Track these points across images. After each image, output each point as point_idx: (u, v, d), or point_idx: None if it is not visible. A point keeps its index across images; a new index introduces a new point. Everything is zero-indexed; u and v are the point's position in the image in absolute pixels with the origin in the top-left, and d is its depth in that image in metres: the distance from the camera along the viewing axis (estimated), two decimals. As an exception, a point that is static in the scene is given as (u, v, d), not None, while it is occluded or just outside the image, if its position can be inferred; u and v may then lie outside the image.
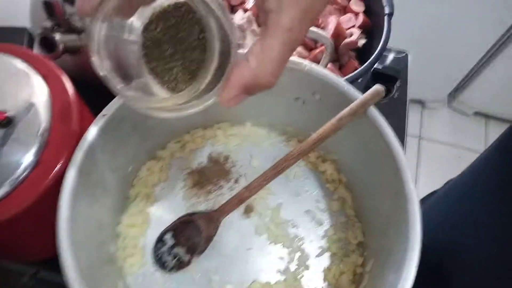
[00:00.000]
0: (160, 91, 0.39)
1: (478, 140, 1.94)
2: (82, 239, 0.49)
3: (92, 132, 0.50)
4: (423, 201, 0.80)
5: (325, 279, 0.60)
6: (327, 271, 0.61)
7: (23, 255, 0.63)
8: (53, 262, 0.45)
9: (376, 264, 0.55)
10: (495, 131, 1.94)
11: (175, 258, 0.59)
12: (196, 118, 0.67)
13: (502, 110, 1.88)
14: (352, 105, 0.51)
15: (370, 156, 0.56)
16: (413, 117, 2.01)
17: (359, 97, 0.51)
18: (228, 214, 0.59)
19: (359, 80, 0.70)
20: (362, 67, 0.62)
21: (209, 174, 0.67)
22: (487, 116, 1.97)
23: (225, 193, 0.65)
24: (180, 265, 0.59)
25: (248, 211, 0.64)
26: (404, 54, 0.84)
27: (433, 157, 1.89)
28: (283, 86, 0.59)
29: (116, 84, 0.35)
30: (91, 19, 0.33)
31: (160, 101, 0.37)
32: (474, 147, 1.92)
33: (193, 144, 0.69)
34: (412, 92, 0.83)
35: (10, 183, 0.46)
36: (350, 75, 0.61)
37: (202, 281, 0.60)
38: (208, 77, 0.35)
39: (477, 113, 1.95)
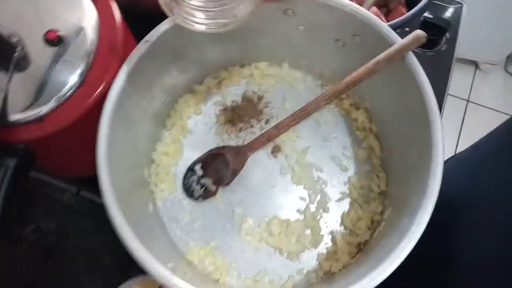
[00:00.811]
0: None
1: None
2: (119, 160, 0.53)
3: (134, 56, 0.52)
4: (446, 162, 0.78)
5: (342, 223, 0.62)
6: (345, 216, 0.63)
7: (66, 171, 0.68)
8: (93, 182, 0.49)
9: (394, 212, 0.56)
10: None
11: (202, 187, 0.63)
12: (234, 55, 0.68)
13: None
14: (390, 49, 0.49)
15: (404, 105, 0.55)
16: (464, 78, 1.90)
17: (398, 42, 0.50)
18: (256, 150, 0.61)
19: (406, 29, 0.68)
20: (409, 13, 0.60)
21: (242, 113, 0.68)
22: (546, 84, 1.83)
23: (255, 132, 0.67)
24: (207, 194, 0.63)
25: (276, 151, 0.66)
26: (458, 5, 0.79)
27: (479, 122, 1.80)
28: (324, 25, 0.58)
29: None
30: None
31: None
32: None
33: (229, 81, 0.70)
34: (465, 51, 0.79)
35: (56, 100, 0.50)
36: (395, 20, 0.59)
37: (226, 212, 0.64)
38: None
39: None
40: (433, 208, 0.43)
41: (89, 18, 0.54)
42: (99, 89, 0.50)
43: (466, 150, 0.63)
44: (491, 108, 1.83)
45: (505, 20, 1.50)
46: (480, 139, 0.60)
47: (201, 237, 0.62)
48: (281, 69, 0.71)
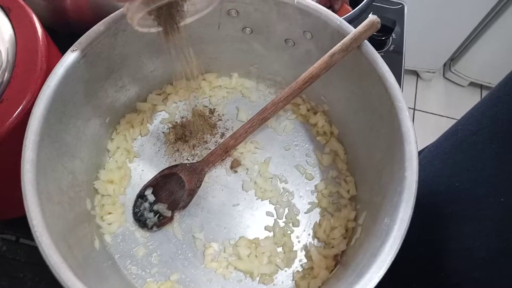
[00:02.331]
0: None
1: (473, 112, 1.91)
2: (53, 193, 0.45)
3: (60, 68, 0.45)
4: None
5: (315, 236, 0.57)
6: (317, 227, 0.58)
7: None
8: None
9: (369, 215, 0.51)
10: (490, 103, 1.91)
11: (156, 215, 0.56)
12: (179, 67, 0.62)
13: (497, 79, 1.85)
14: (345, 39, 0.46)
15: (364, 99, 0.52)
16: (407, 88, 1.97)
17: (353, 31, 0.47)
18: (212, 165, 0.55)
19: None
20: (355, 9, 0.58)
21: (193, 128, 0.62)
22: (482, 87, 1.93)
23: (210, 148, 0.61)
24: (162, 222, 0.56)
25: (235, 165, 0.60)
26: (400, 5, 0.79)
27: (428, 129, 1.86)
28: (271, 24, 0.55)
29: None
30: None
31: None
32: (469, 119, 1.89)
33: (176, 96, 0.64)
34: (407, 62, 0.79)
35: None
36: (343, 17, 0.57)
37: (186, 239, 0.56)
38: None
39: (472, 84, 1.92)
40: (415, 201, 0.39)
41: (3, 35, 0.47)
42: (19, 108, 0.42)
43: (435, 141, 0.61)
44: (436, 114, 1.90)
45: (440, 30, 1.58)
46: (449, 128, 0.58)
47: (160, 271, 0.54)
48: (231, 79, 0.66)
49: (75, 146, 0.51)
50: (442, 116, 1.92)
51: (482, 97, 1.92)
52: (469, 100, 1.94)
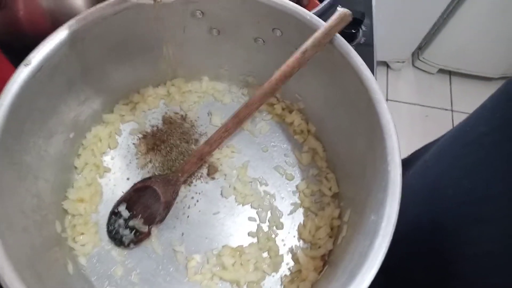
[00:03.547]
0: None
1: (444, 98, 1.94)
2: (15, 218, 0.42)
3: (13, 85, 0.41)
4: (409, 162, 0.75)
5: (300, 237, 0.56)
6: (302, 228, 0.56)
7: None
8: None
9: (354, 212, 0.50)
10: (460, 88, 1.95)
11: (132, 231, 0.53)
12: (145, 74, 0.59)
13: (464, 65, 1.88)
14: (316, 34, 0.45)
15: (340, 94, 0.50)
16: (379, 80, 1.98)
17: (324, 25, 0.45)
18: (188, 174, 0.52)
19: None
20: (323, 3, 0.56)
21: (165, 137, 0.60)
22: (450, 73, 1.97)
23: (184, 156, 0.59)
24: (139, 238, 0.53)
25: (212, 172, 0.58)
26: (367, -3, 0.79)
27: (401, 118, 1.88)
28: (239, 23, 0.53)
29: None
30: None
31: None
32: (440, 105, 1.92)
33: (144, 104, 0.61)
34: (377, 54, 0.78)
35: None
36: (312, 11, 0.55)
37: (166, 254, 0.54)
38: None
39: (441, 71, 1.95)
40: (400, 195, 0.38)
41: None
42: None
43: (440, 144, 0.60)
44: (408, 103, 1.93)
45: (407, 20, 1.60)
46: (455, 130, 0.56)
47: (141, 290, 0.51)
48: (201, 83, 0.64)
49: (38, 167, 0.48)
50: (414, 104, 1.94)
51: (451, 82, 1.95)
52: (439, 87, 1.98)
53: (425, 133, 1.80)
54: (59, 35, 0.44)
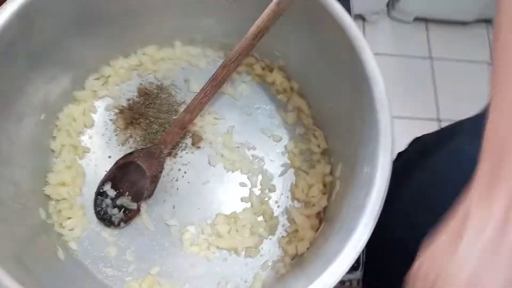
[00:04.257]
0: None
1: (422, 46, 1.93)
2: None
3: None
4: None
5: (293, 197, 0.55)
6: (294, 188, 0.55)
7: None
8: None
9: (345, 166, 0.49)
10: (437, 35, 1.94)
11: (121, 210, 0.51)
12: (112, 44, 0.56)
13: (439, 11, 1.87)
14: (291, -18, 0.42)
15: (320, 46, 0.48)
16: (355, 33, 1.95)
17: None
18: (171, 145, 0.50)
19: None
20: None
21: (143, 110, 0.57)
22: (426, 20, 1.95)
23: (165, 127, 0.56)
24: (129, 216, 0.51)
25: (197, 141, 0.56)
26: None
27: (381, 70, 1.87)
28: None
29: None
30: None
31: None
32: (419, 54, 1.91)
33: (116, 77, 0.58)
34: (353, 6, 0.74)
35: None
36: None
37: (159, 229, 0.52)
38: None
39: (417, 19, 1.93)
40: (392, 142, 0.37)
41: None
42: None
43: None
44: (387, 54, 1.91)
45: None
46: None
47: (138, 268, 0.50)
48: (174, 49, 0.60)
49: (10, 153, 0.45)
50: (393, 55, 1.93)
51: (428, 30, 1.93)
52: (416, 35, 1.96)
53: (406, 83, 1.80)
54: (8, 9, 0.40)
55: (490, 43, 1.77)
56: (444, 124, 1.51)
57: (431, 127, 1.51)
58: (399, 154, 0.62)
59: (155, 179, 0.51)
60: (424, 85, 1.78)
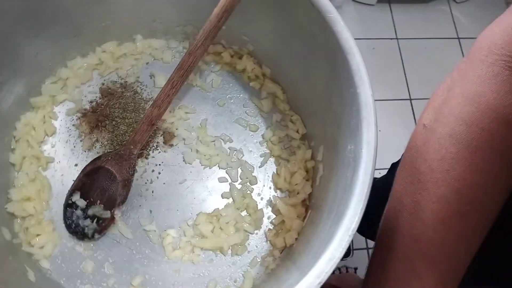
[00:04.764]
0: None
1: (388, 28, 1.95)
2: None
3: None
4: None
5: (276, 187, 0.52)
6: (276, 177, 0.53)
7: None
8: None
9: (327, 149, 0.47)
10: (400, 15, 1.95)
11: (94, 220, 0.48)
12: (67, 43, 0.51)
13: (402, -9, 1.88)
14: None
15: (290, 23, 0.46)
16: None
17: None
18: (141, 144, 0.47)
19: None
20: None
21: (108, 111, 0.53)
22: (389, 1, 1.96)
23: (133, 126, 0.53)
24: (103, 226, 0.48)
25: (169, 139, 0.53)
26: None
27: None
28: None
29: None
30: None
31: None
32: (385, 35, 1.92)
33: (75, 79, 0.54)
34: None
35: None
36: None
37: (137, 236, 0.49)
38: None
39: (380, 1, 1.94)
40: (375, 115, 0.35)
41: None
42: None
43: None
44: (355, 38, 1.92)
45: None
46: None
47: (119, 280, 0.47)
48: (136, 43, 0.57)
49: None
50: (360, 39, 1.93)
51: (392, 11, 1.94)
52: (381, 17, 1.97)
53: (376, 65, 1.80)
54: None
55: (453, 18, 1.80)
56: (415, 104, 1.52)
57: (405, 107, 1.52)
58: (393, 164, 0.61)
59: (127, 183, 0.47)
60: (393, 66, 1.79)
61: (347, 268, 0.91)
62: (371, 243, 0.62)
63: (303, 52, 0.47)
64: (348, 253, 0.50)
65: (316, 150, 0.51)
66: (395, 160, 0.55)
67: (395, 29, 1.95)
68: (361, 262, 0.97)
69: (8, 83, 0.47)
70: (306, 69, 0.49)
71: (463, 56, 1.62)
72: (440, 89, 0.35)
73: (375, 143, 0.34)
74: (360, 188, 0.32)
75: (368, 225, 0.37)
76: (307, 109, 0.53)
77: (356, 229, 0.33)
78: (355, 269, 0.92)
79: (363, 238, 1.05)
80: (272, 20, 0.48)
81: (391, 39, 1.97)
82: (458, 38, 1.74)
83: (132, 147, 0.46)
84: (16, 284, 0.42)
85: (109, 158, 0.47)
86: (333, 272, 0.54)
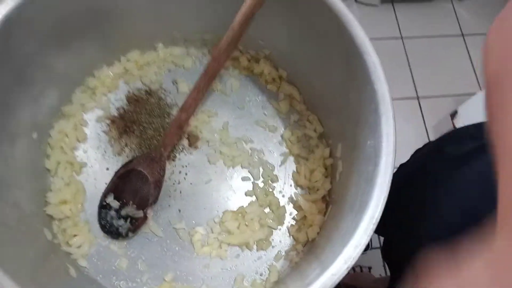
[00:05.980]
0: None
1: (392, 27, 1.97)
2: (0, 232, 0.38)
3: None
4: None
5: (297, 184, 0.55)
6: (296, 175, 0.55)
7: None
8: None
9: (345, 145, 0.49)
10: (404, 14, 1.97)
11: (127, 220, 0.50)
12: (94, 54, 0.54)
13: (405, -9, 1.90)
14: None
15: (305, 27, 0.48)
16: (326, 22, 1.97)
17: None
18: (171, 147, 0.50)
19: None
20: None
21: (135, 117, 0.56)
22: (393, 1, 1.99)
23: (160, 131, 0.55)
24: (136, 225, 0.50)
25: (193, 141, 0.56)
26: None
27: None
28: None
29: None
30: None
31: None
32: (390, 35, 1.95)
33: (103, 87, 0.57)
34: None
35: None
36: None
37: (168, 234, 0.52)
38: None
39: (383, 1, 1.96)
40: (392, 110, 0.37)
41: None
42: None
43: None
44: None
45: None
46: None
47: (152, 276, 0.50)
48: (158, 52, 0.60)
49: (7, 175, 0.44)
50: (365, 39, 1.96)
51: (395, 11, 1.96)
52: (385, 17, 1.99)
53: (382, 65, 1.82)
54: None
55: (456, 15, 1.81)
56: (423, 102, 1.53)
57: (413, 106, 1.54)
58: (401, 165, 0.58)
59: (158, 184, 0.50)
60: (399, 65, 1.81)
61: (361, 267, 0.93)
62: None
63: (319, 53, 0.50)
64: (367, 246, 0.52)
65: (334, 148, 0.53)
66: (403, 161, 0.57)
67: (399, 28, 1.97)
68: (375, 261, 0.98)
69: (42, 96, 0.50)
70: (321, 70, 0.51)
71: (467, 52, 1.64)
72: None
73: (394, 136, 0.37)
74: (382, 178, 0.35)
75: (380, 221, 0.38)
76: (324, 108, 0.55)
77: (379, 217, 0.35)
78: (369, 268, 0.93)
79: (376, 237, 1.07)
80: (286, 24, 0.51)
81: (396, 38, 1.99)
82: (463, 35, 1.75)
83: (162, 149, 0.49)
84: (61, 278, 0.45)
85: (141, 160, 0.49)
86: (354, 270, 0.56)
